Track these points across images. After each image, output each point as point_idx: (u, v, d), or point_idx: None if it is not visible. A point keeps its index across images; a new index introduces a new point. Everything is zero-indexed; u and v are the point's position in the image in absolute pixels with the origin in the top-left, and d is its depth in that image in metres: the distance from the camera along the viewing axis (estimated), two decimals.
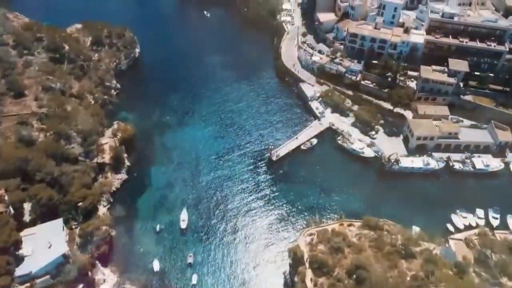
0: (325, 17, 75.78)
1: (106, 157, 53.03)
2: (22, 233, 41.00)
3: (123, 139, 56.26)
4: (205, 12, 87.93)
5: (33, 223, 43.21)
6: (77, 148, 51.81)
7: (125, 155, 55.62)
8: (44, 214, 43.70)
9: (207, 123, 61.87)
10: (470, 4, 73.97)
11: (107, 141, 55.40)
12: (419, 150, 57.67)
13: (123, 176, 53.00)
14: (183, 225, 47.91)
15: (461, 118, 61.25)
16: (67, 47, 68.47)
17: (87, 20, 76.20)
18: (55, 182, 46.12)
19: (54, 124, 52.27)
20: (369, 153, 57.26)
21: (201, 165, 55.54)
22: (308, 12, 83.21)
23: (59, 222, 42.94)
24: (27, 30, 69.85)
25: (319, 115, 63.39)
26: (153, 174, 53.83)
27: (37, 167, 45.45)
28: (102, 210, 48.02)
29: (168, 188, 52.35)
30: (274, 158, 56.26)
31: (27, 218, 43.69)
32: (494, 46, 62.55)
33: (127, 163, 54.71)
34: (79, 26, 78.28)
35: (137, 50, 76.08)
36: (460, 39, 64.26)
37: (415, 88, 63.86)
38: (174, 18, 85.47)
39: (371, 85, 65.98)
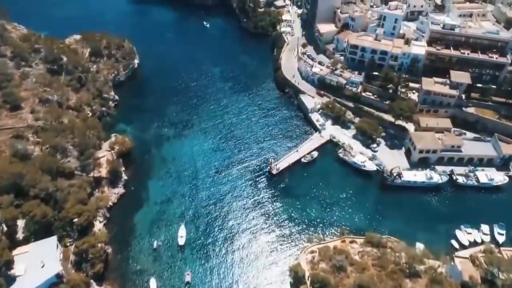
0: (325, 28, 74.94)
1: (103, 171, 51.65)
2: (14, 252, 39.56)
3: (121, 152, 55.01)
4: (205, 23, 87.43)
5: (26, 240, 41.76)
6: (73, 162, 50.56)
7: (123, 168, 54.24)
8: (38, 231, 42.29)
9: (206, 135, 60.71)
10: (471, 16, 73.17)
11: (104, 154, 54.08)
12: (422, 163, 56.38)
13: (120, 190, 51.61)
14: (181, 241, 46.45)
15: (463, 131, 59.97)
16: (65, 59, 67.47)
17: (86, 30, 75.22)
18: (50, 197, 44.81)
19: (50, 138, 51.04)
20: (370, 166, 55.90)
21: (200, 179, 54.16)
22: (308, 23, 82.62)
23: (53, 240, 41.59)
24: (25, 41, 69.01)
25: (319, 127, 62.17)
26: (151, 188, 52.44)
27: (32, 182, 44.10)
28: (98, 226, 46.65)
29: (166, 203, 50.96)
30: (274, 172, 54.95)
31: (20, 235, 42.27)
32: (496, 58, 61.58)
33: (124, 176, 53.29)
34: (77, 37, 77.37)
35: (136, 61, 75.09)
36: (462, 51, 63.22)
37: (416, 100, 62.63)
38: (174, 29, 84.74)
39: (372, 97, 64.82)
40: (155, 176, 54.13)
